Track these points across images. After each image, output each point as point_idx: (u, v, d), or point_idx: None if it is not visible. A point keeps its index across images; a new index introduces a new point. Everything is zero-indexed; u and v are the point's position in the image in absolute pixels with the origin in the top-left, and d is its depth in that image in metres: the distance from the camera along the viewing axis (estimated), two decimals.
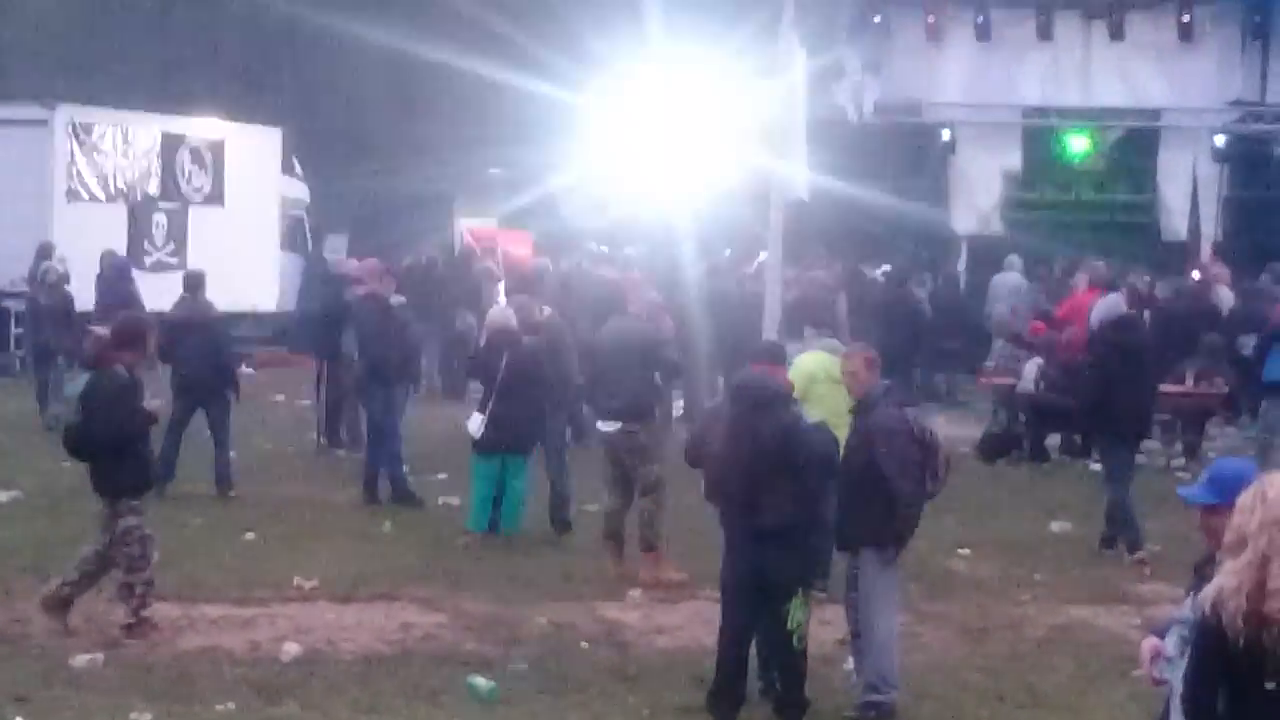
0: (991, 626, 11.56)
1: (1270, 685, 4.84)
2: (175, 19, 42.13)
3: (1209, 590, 4.98)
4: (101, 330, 11.43)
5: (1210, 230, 27.67)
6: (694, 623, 11.13)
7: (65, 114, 26.06)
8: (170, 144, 27.48)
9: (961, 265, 28.45)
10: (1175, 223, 28.21)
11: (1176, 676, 5.45)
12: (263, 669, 9.99)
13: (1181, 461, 18.64)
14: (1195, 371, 19.08)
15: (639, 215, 31.23)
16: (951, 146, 28.90)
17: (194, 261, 23.63)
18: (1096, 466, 14.97)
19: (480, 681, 9.69)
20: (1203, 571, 5.63)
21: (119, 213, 26.50)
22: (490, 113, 35.69)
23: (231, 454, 15.91)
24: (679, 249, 25.26)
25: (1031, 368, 19.00)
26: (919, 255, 27.40)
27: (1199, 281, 22.75)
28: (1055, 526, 15.12)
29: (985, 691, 10.04)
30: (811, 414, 10.01)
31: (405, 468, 15.56)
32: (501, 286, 22.51)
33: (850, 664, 9.97)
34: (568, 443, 15.13)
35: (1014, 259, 25.38)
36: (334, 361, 17.98)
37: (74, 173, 25.91)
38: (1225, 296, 21.81)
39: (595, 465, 13.54)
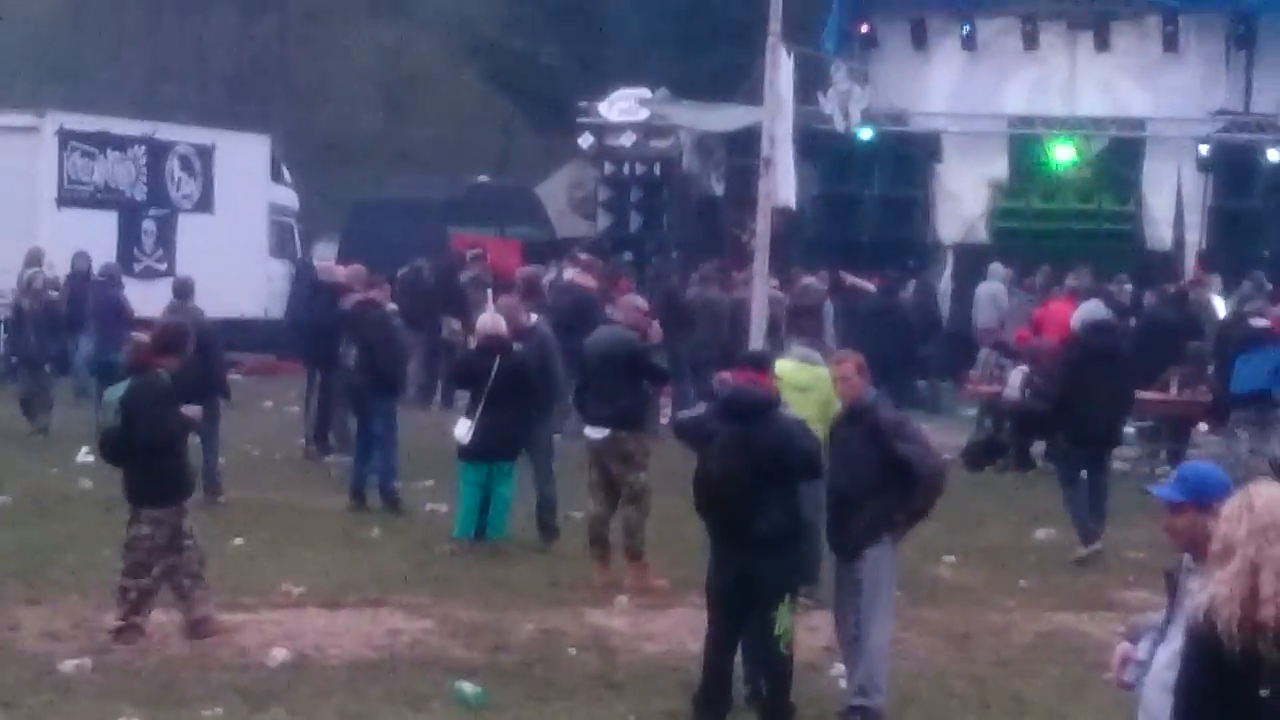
0: (977, 633, 11.61)
1: (1264, 692, 4.87)
2: (165, 27, 42.18)
3: (1200, 598, 5.01)
4: (142, 336, 11.52)
5: (1195, 240, 27.74)
6: (680, 629, 11.15)
7: (55, 121, 26.06)
8: (159, 151, 27.47)
9: (947, 274, 28.54)
10: (1160, 232, 28.28)
11: (1146, 681, 5.56)
12: (250, 674, 10.00)
13: (1165, 469, 18.69)
14: (1179, 379, 19.14)
15: (628, 222, 31.41)
16: (938, 155, 29.01)
17: (182, 268, 23.62)
18: (1081, 474, 15.05)
19: (467, 687, 9.70)
20: (1176, 578, 5.69)
21: (108, 220, 26.49)
22: (479, 120, 35.76)
23: (220, 460, 15.93)
24: (667, 256, 25.28)
25: (1017, 376, 19.07)
26: (905, 263, 27.47)
27: (1182, 289, 22.82)
28: (1040, 534, 15.19)
29: (970, 698, 10.09)
30: None
31: (397, 483, 15.61)
32: (490, 294, 22.52)
33: (836, 669, 10.01)
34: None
35: (996, 267, 25.49)
36: (325, 370, 17.99)
37: (63, 179, 25.91)
38: (1217, 305, 21.90)
39: (580, 472, 13.59)
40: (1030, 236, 28.18)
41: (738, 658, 9.36)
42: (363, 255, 20.98)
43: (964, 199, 29.21)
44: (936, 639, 11.42)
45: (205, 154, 28.26)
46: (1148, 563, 13.30)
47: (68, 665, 9.98)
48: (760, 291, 12.44)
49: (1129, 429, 19.91)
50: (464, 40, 43.12)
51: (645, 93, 30.36)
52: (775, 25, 12.19)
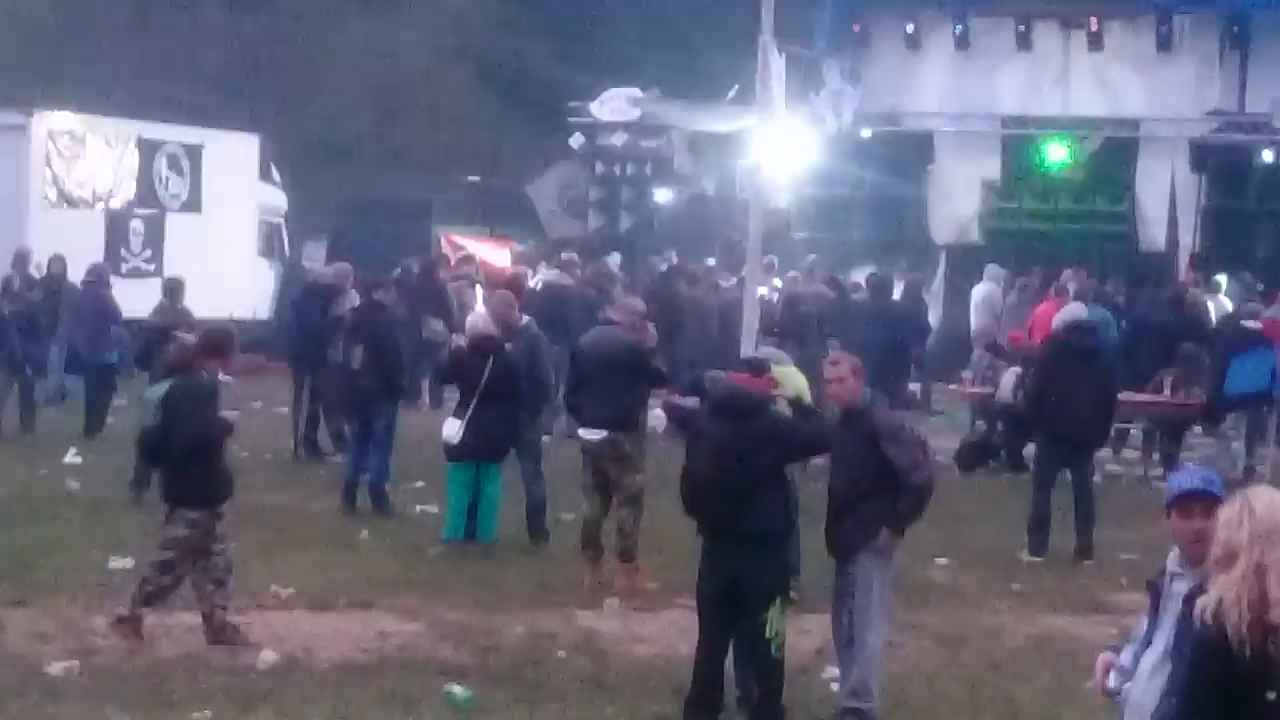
0: (969, 636, 11.57)
1: (1271, 695, 4.86)
2: (153, 25, 42.10)
3: (1206, 603, 4.99)
4: (187, 336, 11.47)
5: (1189, 240, 27.73)
6: (671, 631, 11.11)
7: (42, 120, 25.96)
8: (148, 150, 27.36)
9: (940, 274, 28.50)
10: (1153, 233, 28.27)
11: (1129, 688, 5.61)
12: (239, 677, 9.95)
13: (1160, 471, 18.65)
14: (1173, 380, 19.09)
15: (620, 223, 31.40)
16: (930, 156, 28.97)
17: (170, 268, 23.55)
18: (1059, 476, 15.01)
19: (457, 690, 9.67)
20: (1159, 586, 5.65)
21: (96, 219, 26.40)
22: (469, 120, 35.73)
23: None
24: (659, 257, 25.23)
25: (1010, 378, 18.99)
26: (898, 264, 27.43)
27: (1178, 290, 22.79)
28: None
29: (963, 701, 10.05)
30: None
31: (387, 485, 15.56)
32: (480, 294, 22.45)
33: (828, 672, 9.97)
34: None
35: (993, 268, 25.41)
36: (313, 374, 17.90)
37: (51, 179, 25.81)
38: (1223, 304, 21.92)
39: (571, 474, 13.52)
40: (1023, 237, 28.16)
41: (729, 660, 9.31)
42: (351, 255, 20.91)
43: (957, 199, 29.17)
44: (928, 642, 11.38)
45: (194, 153, 28.17)
46: (1140, 565, 13.25)
47: (55, 667, 9.92)
48: (752, 292, 12.38)
49: (1134, 431, 19.92)
50: (454, 40, 43.12)
51: (636, 92, 30.34)
52: (767, 24, 12.13)
